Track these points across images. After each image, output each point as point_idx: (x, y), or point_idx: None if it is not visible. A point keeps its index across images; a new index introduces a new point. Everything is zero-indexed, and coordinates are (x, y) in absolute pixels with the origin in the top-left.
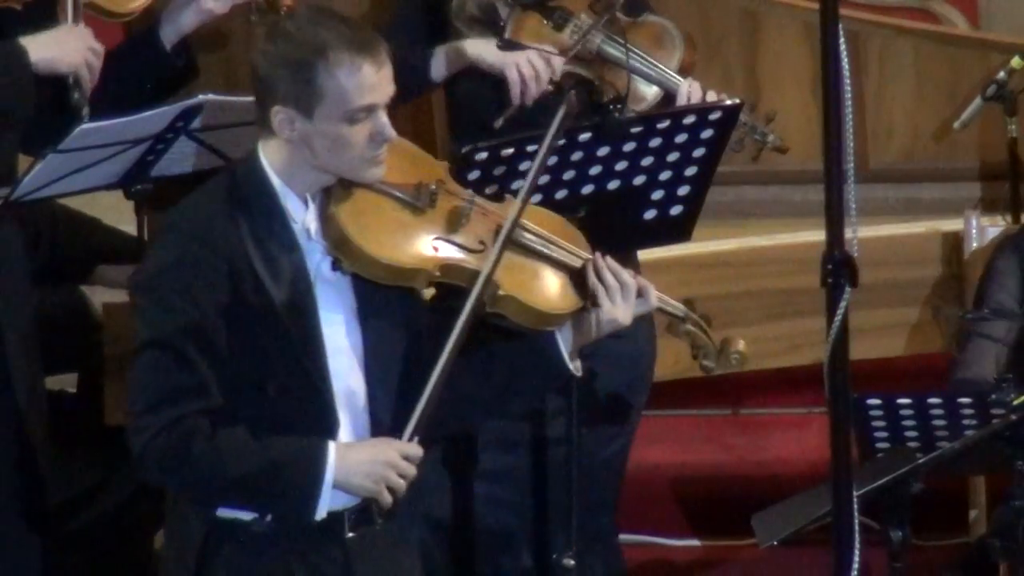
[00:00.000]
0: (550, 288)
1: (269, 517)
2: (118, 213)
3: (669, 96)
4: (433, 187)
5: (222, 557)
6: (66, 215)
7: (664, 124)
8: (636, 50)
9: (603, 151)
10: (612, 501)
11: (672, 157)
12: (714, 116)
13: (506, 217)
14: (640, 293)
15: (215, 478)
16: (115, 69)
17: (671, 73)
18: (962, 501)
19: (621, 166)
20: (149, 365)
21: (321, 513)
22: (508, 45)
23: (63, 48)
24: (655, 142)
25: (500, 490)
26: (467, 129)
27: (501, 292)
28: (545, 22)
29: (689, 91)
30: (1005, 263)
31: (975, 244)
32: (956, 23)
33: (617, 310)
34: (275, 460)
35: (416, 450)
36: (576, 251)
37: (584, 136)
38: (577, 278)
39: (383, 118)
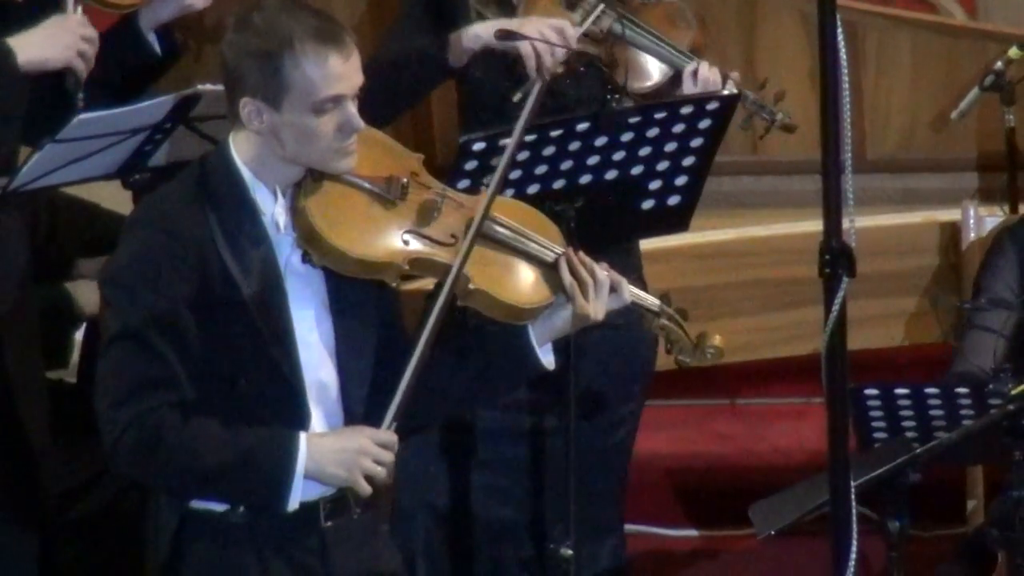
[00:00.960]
0: (522, 282)
1: (242, 508)
2: (116, 203)
3: (678, 75)
4: (404, 180)
5: (194, 548)
6: (65, 201)
7: (661, 115)
8: (648, 29)
9: (601, 141)
10: (616, 492)
11: (670, 147)
12: (711, 107)
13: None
14: (613, 288)
15: (186, 470)
16: (97, 56)
17: (683, 52)
18: (960, 491)
19: (619, 156)
20: (118, 358)
21: (293, 504)
22: (508, 36)
23: (53, 45)
24: (652, 132)
25: (499, 480)
26: (480, 115)
27: (472, 286)
28: (557, 0)
29: (699, 70)
30: (1004, 253)
31: (972, 234)
32: (954, 13)
33: (590, 305)
34: (245, 451)
35: (391, 437)
36: (549, 245)
37: (582, 126)
38: (549, 272)
39: (351, 108)
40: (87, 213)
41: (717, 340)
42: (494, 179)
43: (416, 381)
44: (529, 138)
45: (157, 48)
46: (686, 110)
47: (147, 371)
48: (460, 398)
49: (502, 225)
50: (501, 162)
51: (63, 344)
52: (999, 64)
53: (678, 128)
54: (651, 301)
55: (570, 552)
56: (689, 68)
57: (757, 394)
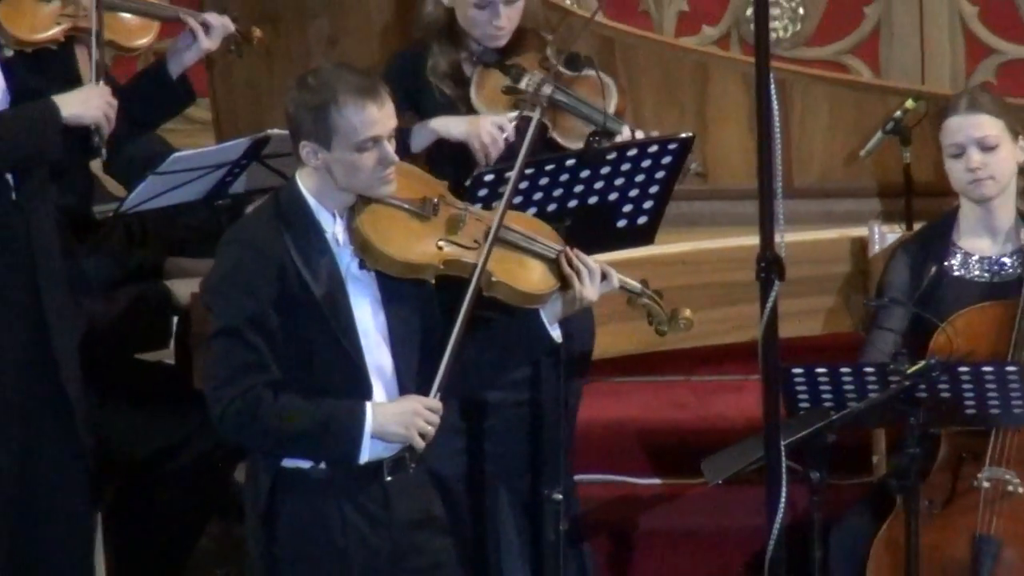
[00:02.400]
0: (533, 274)
1: (323, 465)
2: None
3: (607, 136)
4: (435, 200)
5: (286, 500)
6: (151, 213)
7: (633, 152)
8: (580, 97)
9: (585, 173)
10: (568, 445)
11: (639, 178)
12: (672, 146)
13: (493, 221)
14: (604, 276)
15: (278, 434)
16: (133, 96)
17: (610, 116)
18: (867, 448)
19: (599, 185)
20: (221, 350)
21: (364, 458)
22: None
23: (87, 105)
24: (626, 166)
25: (499, 445)
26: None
27: (494, 279)
28: (504, 77)
29: (631, 134)
30: (900, 262)
31: (877, 247)
32: (862, 72)
33: (587, 289)
34: (325, 418)
35: (437, 404)
36: (551, 244)
37: (570, 162)
38: (553, 265)
39: (387, 147)
40: (169, 222)
41: (687, 313)
42: (505, 195)
43: (455, 357)
44: (528, 171)
45: (180, 90)
46: (652, 149)
47: (244, 359)
48: (490, 371)
49: (513, 231)
50: (510, 182)
51: (162, 329)
52: (898, 113)
53: (646, 163)
54: (633, 284)
55: (560, 496)
56: (623, 136)
57: (707, 372)
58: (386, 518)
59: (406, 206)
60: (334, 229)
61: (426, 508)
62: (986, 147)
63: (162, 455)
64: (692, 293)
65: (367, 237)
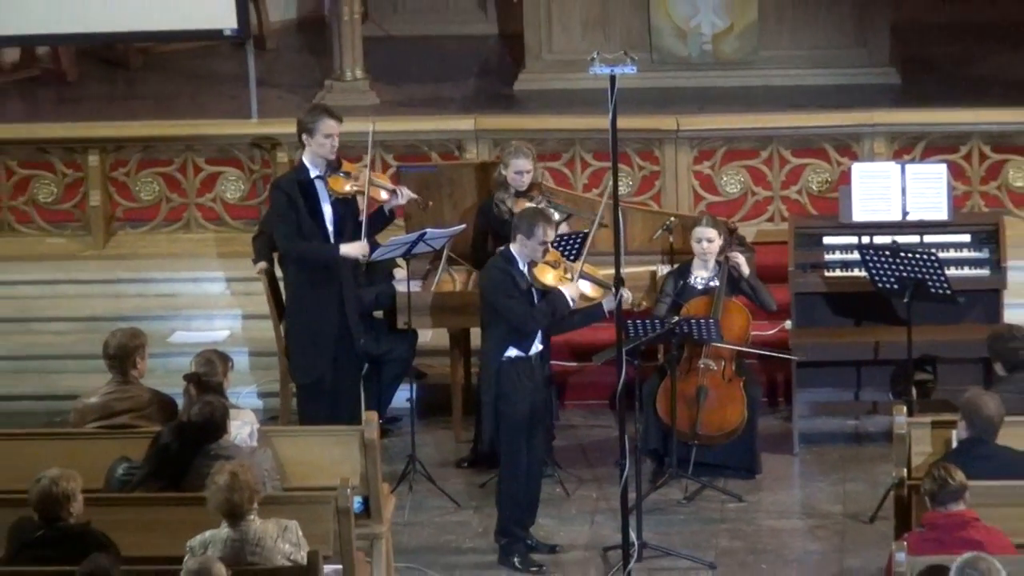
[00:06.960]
0: (592, 290)
1: (519, 353)
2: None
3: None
4: (559, 263)
5: (503, 364)
6: (381, 262)
7: (567, 237)
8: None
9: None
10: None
11: (568, 250)
12: (582, 235)
13: (578, 270)
14: (623, 294)
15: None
16: (369, 220)
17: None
18: (656, 351)
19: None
20: (502, 305)
21: (533, 351)
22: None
23: (352, 249)
24: (559, 243)
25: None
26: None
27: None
28: (527, 201)
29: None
30: (669, 280)
31: (660, 274)
32: (654, 206)
33: (625, 297)
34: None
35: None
36: (605, 281)
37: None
38: (606, 289)
39: (549, 248)
40: (385, 265)
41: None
42: (581, 256)
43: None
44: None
45: (388, 217)
46: (574, 236)
47: (512, 304)
48: (573, 323)
49: (586, 272)
50: (584, 250)
51: (385, 304)
52: (667, 223)
53: (571, 242)
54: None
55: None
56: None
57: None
58: (536, 377)
59: (550, 264)
60: (523, 268)
61: (547, 380)
62: (711, 242)
63: (382, 355)
64: None
65: (531, 272)
